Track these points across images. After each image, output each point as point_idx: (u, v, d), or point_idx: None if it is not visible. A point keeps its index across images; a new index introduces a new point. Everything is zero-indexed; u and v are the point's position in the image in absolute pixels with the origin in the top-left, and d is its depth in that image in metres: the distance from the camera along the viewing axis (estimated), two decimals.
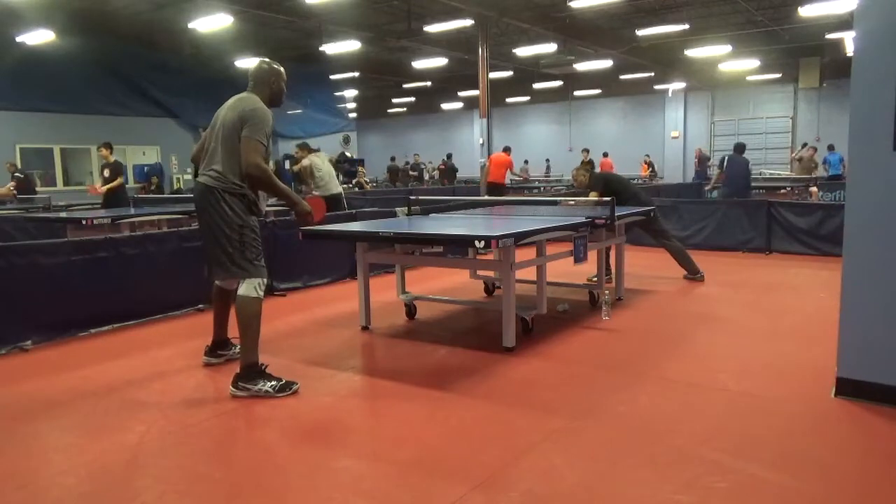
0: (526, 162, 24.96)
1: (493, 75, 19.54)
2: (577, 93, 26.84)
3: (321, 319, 5.54)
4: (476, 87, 17.61)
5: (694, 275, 6.82)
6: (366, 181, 18.98)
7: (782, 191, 12.77)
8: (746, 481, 2.60)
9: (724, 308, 5.73)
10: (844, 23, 14.56)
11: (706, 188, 12.43)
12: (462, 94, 27.36)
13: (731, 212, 8.88)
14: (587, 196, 6.58)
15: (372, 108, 31.23)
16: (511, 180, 14.69)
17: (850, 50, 8.66)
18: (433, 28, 16.14)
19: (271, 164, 3.96)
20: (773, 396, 3.52)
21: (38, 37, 14.41)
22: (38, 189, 13.13)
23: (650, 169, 22.95)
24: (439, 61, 20.09)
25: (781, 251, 8.45)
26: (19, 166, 14.32)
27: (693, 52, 18.75)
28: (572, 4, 14.89)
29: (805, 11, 14.48)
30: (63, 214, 7.97)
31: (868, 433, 3.10)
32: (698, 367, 4.09)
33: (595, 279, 6.31)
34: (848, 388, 3.41)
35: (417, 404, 3.55)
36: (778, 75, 22.73)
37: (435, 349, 4.58)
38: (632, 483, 2.62)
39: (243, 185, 3.69)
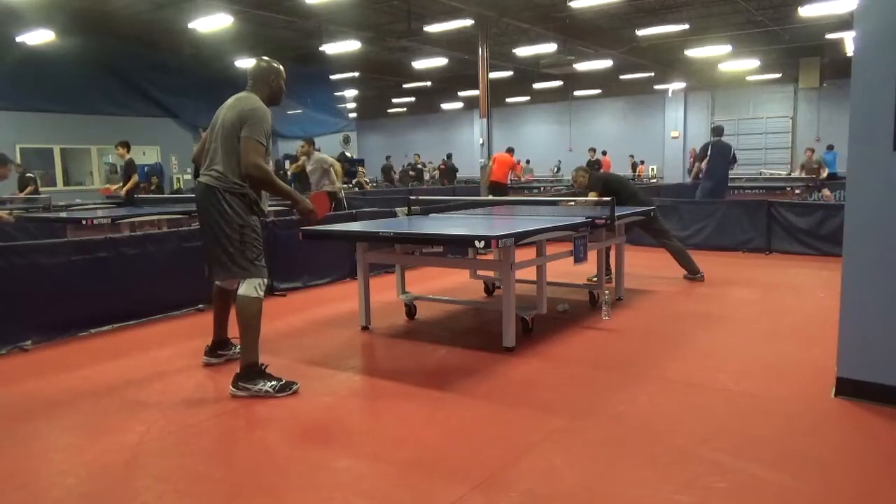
0: (527, 162, 25.01)
1: (493, 75, 19.54)
2: (577, 93, 26.83)
3: (321, 319, 5.54)
4: (476, 87, 17.61)
5: (694, 275, 6.82)
6: (366, 181, 18.98)
7: (785, 190, 12.73)
8: (746, 481, 2.60)
9: (724, 308, 5.74)
10: (844, 23, 14.56)
11: (689, 180, 11.80)
12: (462, 94, 27.36)
13: (731, 212, 8.88)
14: (586, 196, 6.59)
15: (372, 108, 31.23)
16: (511, 180, 14.68)
17: (850, 50, 8.65)
18: (433, 28, 16.13)
19: (271, 163, 3.96)
20: (773, 396, 3.52)
21: (38, 37, 14.40)
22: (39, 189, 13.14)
23: (638, 169, 23.14)
24: (439, 61, 20.09)
25: (781, 251, 8.45)
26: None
27: (693, 52, 18.74)
28: (572, 4, 14.89)
29: (805, 11, 14.48)
30: (63, 214, 7.97)
31: (868, 433, 3.10)
32: (698, 367, 4.09)
33: (595, 279, 6.31)
34: (848, 388, 3.41)
35: (417, 404, 3.55)
36: (778, 75, 22.73)
37: (435, 349, 4.58)
38: (632, 483, 2.62)
39: (244, 185, 3.69)
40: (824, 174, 14.56)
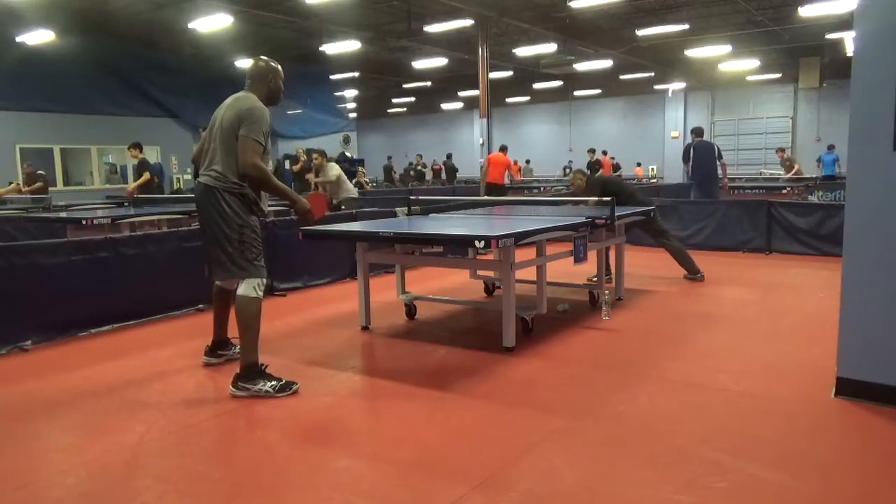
0: (527, 162, 25.01)
1: (493, 75, 19.54)
2: (577, 93, 26.84)
3: (321, 319, 5.54)
4: (476, 87, 17.61)
5: (694, 274, 6.82)
6: (366, 181, 18.98)
7: (784, 191, 12.73)
8: (746, 481, 2.60)
9: (724, 308, 5.74)
10: (844, 23, 14.56)
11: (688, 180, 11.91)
12: (462, 94, 27.36)
13: (731, 212, 8.88)
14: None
15: (372, 108, 31.23)
16: (511, 180, 14.67)
17: (850, 50, 8.65)
18: (433, 28, 16.14)
19: (271, 163, 3.95)
20: (773, 396, 3.52)
21: (38, 37, 14.41)
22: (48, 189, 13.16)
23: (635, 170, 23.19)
24: (439, 61, 20.09)
25: (781, 251, 8.45)
26: (20, 166, 14.36)
27: (693, 52, 18.75)
28: (572, 4, 14.89)
29: (805, 11, 14.48)
30: (63, 214, 7.97)
31: (868, 433, 3.10)
32: (698, 367, 4.09)
33: (595, 279, 6.31)
34: (848, 388, 3.41)
35: (417, 404, 3.55)
36: (778, 75, 22.73)
37: (435, 349, 4.58)
38: (632, 483, 2.62)
39: (243, 185, 3.69)
40: (795, 170, 14.62)
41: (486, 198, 10.97)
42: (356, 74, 23.19)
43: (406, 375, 4.03)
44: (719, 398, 3.54)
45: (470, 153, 23.82)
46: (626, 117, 27.15)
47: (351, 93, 26.75)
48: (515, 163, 23.41)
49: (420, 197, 6.55)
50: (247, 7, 14.64)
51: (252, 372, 3.68)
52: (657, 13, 17.53)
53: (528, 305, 4.83)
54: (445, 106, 30.13)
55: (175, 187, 17.50)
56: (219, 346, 4.26)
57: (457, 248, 5.87)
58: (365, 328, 5.11)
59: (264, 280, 3.81)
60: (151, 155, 17.92)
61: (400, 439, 3.11)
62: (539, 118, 29.13)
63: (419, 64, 20.35)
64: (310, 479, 2.74)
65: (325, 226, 5.60)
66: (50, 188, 12.43)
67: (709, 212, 9.04)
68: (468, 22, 15.68)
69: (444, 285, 6.70)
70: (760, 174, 18.57)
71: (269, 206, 4.34)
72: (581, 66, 19.94)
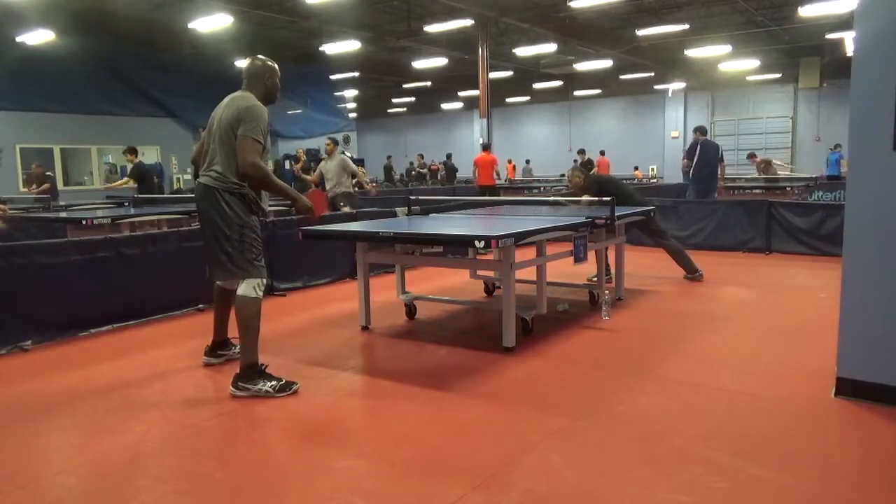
0: (527, 162, 25.01)
1: (493, 75, 19.54)
2: (577, 93, 26.84)
3: (321, 319, 5.54)
4: (476, 87, 17.61)
5: (693, 274, 6.82)
6: (366, 181, 18.97)
7: (785, 190, 12.73)
8: (746, 481, 2.60)
9: (724, 308, 5.74)
10: (844, 23, 14.56)
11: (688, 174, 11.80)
12: (462, 94, 27.36)
13: (731, 212, 8.88)
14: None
15: (372, 108, 31.23)
16: (508, 180, 14.65)
17: (850, 50, 8.63)
18: (433, 28, 16.14)
19: (270, 163, 3.96)
20: (773, 396, 3.52)
21: (38, 37, 14.40)
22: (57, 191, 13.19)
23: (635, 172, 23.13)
24: (439, 61, 20.09)
25: (781, 251, 8.45)
26: (20, 168, 14.37)
27: (693, 52, 18.75)
28: (572, 4, 14.89)
29: (805, 11, 14.48)
30: (63, 214, 7.97)
31: (868, 433, 3.10)
32: (698, 367, 4.09)
33: (595, 279, 6.31)
34: (848, 388, 3.41)
35: (417, 404, 3.55)
36: (778, 75, 22.73)
37: (435, 349, 4.58)
38: (632, 483, 2.62)
39: (243, 185, 3.69)
40: (773, 171, 14.76)
41: (485, 198, 10.96)
42: (356, 74, 23.19)
43: (406, 375, 4.03)
44: (719, 398, 3.54)
45: (470, 153, 23.77)
46: (626, 117, 27.16)
47: (351, 93, 26.75)
48: (510, 161, 23.44)
49: (420, 197, 6.55)
50: (247, 7, 14.63)
51: (252, 372, 3.69)
52: (657, 13, 17.53)
53: (528, 305, 4.83)
54: (445, 106, 30.13)
55: (175, 187, 17.49)
56: (219, 346, 4.26)
57: (457, 248, 5.87)
58: (365, 328, 5.11)
59: (264, 280, 3.81)
60: (151, 155, 17.96)
61: (400, 439, 3.11)
62: (539, 118, 29.13)
63: (419, 64, 20.35)
64: (310, 479, 2.74)
65: (325, 226, 5.60)
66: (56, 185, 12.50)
67: (709, 212, 9.04)
68: (468, 22, 15.68)
69: (444, 285, 6.70)
70: (760, 174, 18.56)
71: (270, 205, 4.34)
72: (581, 66, 19.95)
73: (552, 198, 7.83)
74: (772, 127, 23.87)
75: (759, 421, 3.21)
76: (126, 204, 9.56)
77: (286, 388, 3.68)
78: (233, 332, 3.95)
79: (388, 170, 23.89)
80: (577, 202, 6.22)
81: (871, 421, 3.19)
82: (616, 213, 5.15)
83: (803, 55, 21.34)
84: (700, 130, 10.37)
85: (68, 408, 3.57)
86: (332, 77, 22.76)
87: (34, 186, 11.74)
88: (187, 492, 2.65)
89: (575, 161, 22.35)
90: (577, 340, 4.76)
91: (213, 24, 14.45)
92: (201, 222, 3.86)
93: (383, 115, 32.57)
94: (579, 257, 4.88)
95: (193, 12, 14.42)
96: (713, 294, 6.32)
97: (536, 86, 25.23)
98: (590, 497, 2.54)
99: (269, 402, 3.58)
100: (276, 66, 3.92)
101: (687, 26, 16.55)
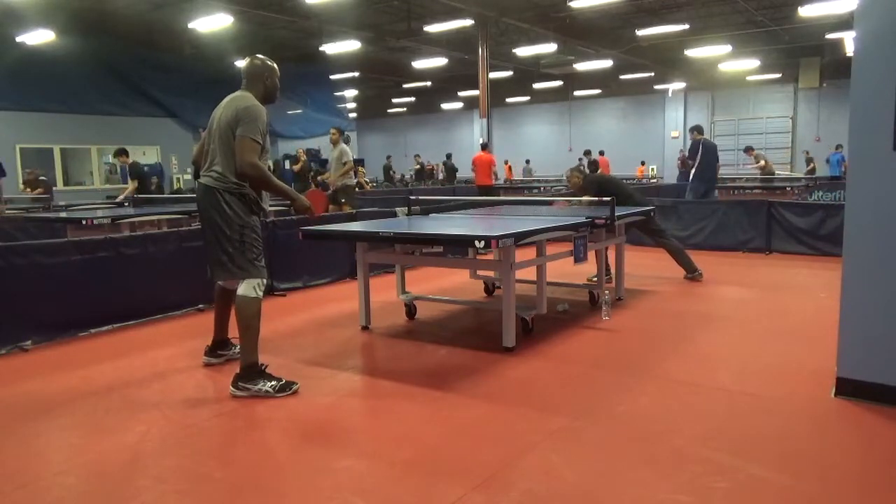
0: (527, 162, 25.01)
1: (493, 75, 19.54)
2: (577, 93, 26.85)
3: (321, 319, 5.54)
4: (476, 87, 17.61)
5: (692, 273, 6.82)
6: (366, 181, 18.99)
7: (787, 189, 12.74)
8: (746, 481, 2.60)
9: (724, 308, 5.74)
10: (844, 23, 14.56)
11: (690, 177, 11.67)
12: (462, 94, 27.37)
13: (731, 212, 8.88)
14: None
15: (372, 108, 31.24)
16: (507, 180, 14.67)
17: (850, 50, 8.64)
18: (433, 28, 16.14)
19: (270, 162, 3.96)
20: (773, 396, 3.52)
21: (38, 37, 14.41)
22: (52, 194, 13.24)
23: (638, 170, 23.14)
24: (439, 61, 20.09)
25: (781, 251, 8.44)
26: (20, 168, 14.37)
27: (693, 52, 18.75)
28: (572, 4, 14.89)
29: (805, 11, 14.49)
30: (63, 214, 7.97)
31: (868, 433, 3.10)
32: (698, 367, 4.09)
33: (595, 279, 6.31)
34: (848, 388, 3.41)
35: (417, 404, 3.55)
36: (778, 75, 22.74)
37: (435, 349, 4.58)
38: (631, 483, 2.62)
39: (243, 185, 3.69)
40: (761, 164, 14.85)
41: (484, 198, 10.96)
42: (356, 74, 23.20)
43: (406, 375, 4.03)
44: (719, 398, 3.54)
45: (470, 153, 23.74)
46: (626, 117, 27.16)
47: (351, 93, 26.77)
48: (506, 162, 23.45)
49: (420, 197, 6.55)
50: (247, 7, 14.64)
51: (252, 372, 3.69)
52: (657, 13, 17.54)
53: (528, 305, 4.83)
54: (445, 106, 30.14)
55: (175, 187, 17.51)
56: (219, 346, 4.26)
57: (457, 248, 5.87)
58: (365, 328, 5.11)
59: (265, 280, 3.81)
60: (151, 155, 17.98)
61: (400, 439, 3.11)
62: (539, 118, 29.14)
63: (419, 64, 20.35)
64: (310, 479, 2.74)
65: (325, 226, 5.61)
66: (51, 188, 12.52)
67: (709, 212, 9.04)
68: (468, 22, 15.68)
69: (444, 285, 6.70)
70: (760, 174, 18.57)
71: (270, 206, 4.34)
72: (581, 66, 19.94)
73: (550, 198, 7.82)
74: (772, 127, 23.87)
75: (759, 421, 3.21)
76: (126, 204, 9.57)
77: (286, 388, 3.68)
78: (233, 332, 3.95)
79: (388, 170, 23.90)
80: (573, 202, 6.22)
81: (871, 421, 3.19)
82: (616, 213, 5.16)
83: (803, 55, 21.35)
84: (698, 130, 10.32)
85: (68, 408, 3.57)
86: (332, 77, 22.78)
87: (29, 191, 11.78)
88: (187, 492, 2.65)
89: (580, 160, 22.45)
90: (577, 340, 4.76)
91: (213, 24, 14.45)
92: (202, 222, 3.86)
93: (383, 115, 32.57)
94: (579, 257, 4.88)
95: (193, 12, 14.42)
96: (713, 294, 6.32)
97: (536, 86, 25.24)
98: (590, 497, 2.55)
99: (269, 402, 3.58)
100: (275, 65, 3.92)
101: (687, 26, 16.55)
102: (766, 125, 23.95)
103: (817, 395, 3.49)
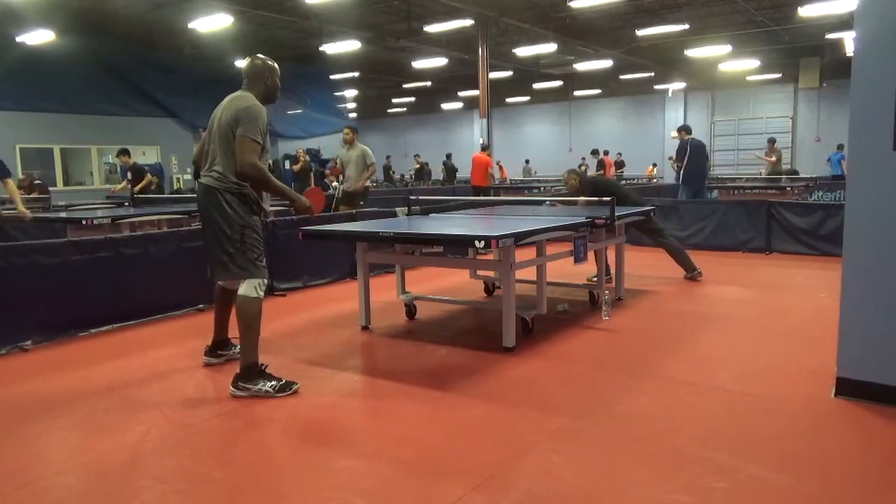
0: (527, 162, 25.00)
1: (493, 75, 19.55)
2: (577, 93, 26.85)
3: (321, 319, 5.54)
4: (476, 87, 17.61)
5: (691, 272, 6.82)
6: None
7: (787, 190, 12.72)
8: (746, 481, 2.60)
9: (724, 308, 5.74)
10: (844, 23, 14.57)
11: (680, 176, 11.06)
12: (462, 94, 27.37)
13: (731, 212, 8.88)
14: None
15: (372, 108, 31.24)
16: (500, 180, 14.67)
17: (850, 50, 8.64)
18: (433, 28, 16.14)
19: (270, 162, 3.96)
20: (773, 396, 3.52)
21: (38, 37, 14.41)
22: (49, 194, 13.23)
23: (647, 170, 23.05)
24: (439, 61, 20.10)
25: (781, 251, 8.44)
26: (20, 167, 14.36)
27: (693, 52, 18.75)
28: (572, 4, 14.90)
29: (805, 11, 14.49)
30: (63, 214, 7.97)
31: (868, 433, 3.10)
32: (698, 367, 4.09)
33: (595, 279, 6.31)
34: (848, 388, 3.41)
35: (417, 404, 3.55)
36: (778, 75, 22.74)
37: (435, 349, 4.58)
38: (631, 483, 2.62)
39: (244, 185, 3.69)
40: (773, 160, 14.89)
41: (484, 198, 10.96)
42: (356, 74, 23.21)
43: (406, 375, 4.03)
44: (719, 398, 3.54)
45: (470, 153, 23.76)
46: (626, 117, 27.15)
47: (351, 93, 26.77)
48: (497, 163, 23.43)
49: (420, 197, 6.55)
50: (247, 7, 14.64)
51: (252, 372, 3.69)
52: (657, 13, 17.54)
53: (528, 305, 4.83)
54: (445, 106, 30.14)
55: (175, 187, 17.51)
56: (219, 346, 4.26)
57: (457, 248, 5.87)
58: (365, 328, 5.11)
59: (265, 280, 3.81)
60: (151, 155, 17.98)
61: (400, 439, 3.11)
62: (539, 118, 29.13)
63: (419, 64, 20.35)
64: (310, 479, 2.74)
65: (324, 226, 5.61)
66: (49, 188, 12.49)
67: (708, 212, 9.03)
68: (468, 22, 15.69)
69: (444, 285, 6.70)
70: (760, 174, 18.57)
71: (270, 206, 4.35)
72: (581, 66, 19.94)
73: (555, 198, 7.81)
74: (772, 127, 23.83)
75: (759, 421, 3.21)
76: (126, 204, 9.56)
77: (286, 388, 3.68)
78: (233, 332, 3.95)
79: (388, 170, 23.90)
80: (568, 203, 6.21)
81: (871, 421, 3.19)
82: (616, 213, 5.15)
83: (803, 55, 21.35)
84: (686, 130, 10.27)
85: (68, 408, 3.57)
86: (332, 77, 22.78)
87: (24, 193, 11.77)
88: (187, 492, 2.65)
89: (583, 159, 22.46)
90: (577, 340, 4.76)
91: (213, 24, 14.46)
92: (202, 222, 3.86)
93: (383, 115, 32.56)
94: (579, 257, 4.88)
95: (193, 12, 14.43)
96: (713, 294, 6.32)
97: (536, 86, 25.24)
98: (590, 497, 2.55)
99: (269, 402, 3.58)
100: (276, 65, 3.91)
101: (687, 26, 16.56)
102: (766, 125, 23.92)
103: (817, 395, 3.49)
